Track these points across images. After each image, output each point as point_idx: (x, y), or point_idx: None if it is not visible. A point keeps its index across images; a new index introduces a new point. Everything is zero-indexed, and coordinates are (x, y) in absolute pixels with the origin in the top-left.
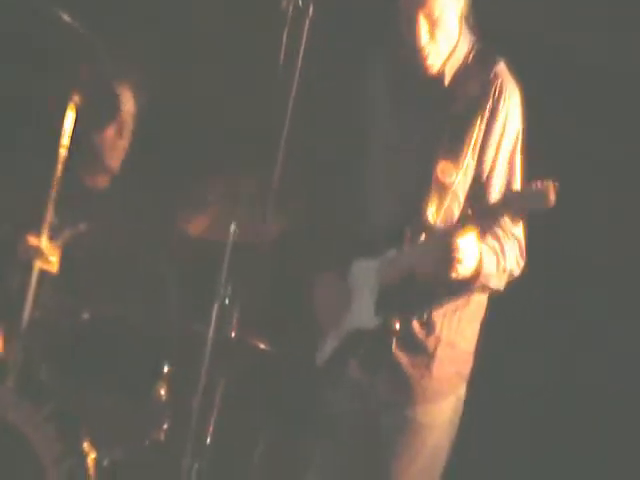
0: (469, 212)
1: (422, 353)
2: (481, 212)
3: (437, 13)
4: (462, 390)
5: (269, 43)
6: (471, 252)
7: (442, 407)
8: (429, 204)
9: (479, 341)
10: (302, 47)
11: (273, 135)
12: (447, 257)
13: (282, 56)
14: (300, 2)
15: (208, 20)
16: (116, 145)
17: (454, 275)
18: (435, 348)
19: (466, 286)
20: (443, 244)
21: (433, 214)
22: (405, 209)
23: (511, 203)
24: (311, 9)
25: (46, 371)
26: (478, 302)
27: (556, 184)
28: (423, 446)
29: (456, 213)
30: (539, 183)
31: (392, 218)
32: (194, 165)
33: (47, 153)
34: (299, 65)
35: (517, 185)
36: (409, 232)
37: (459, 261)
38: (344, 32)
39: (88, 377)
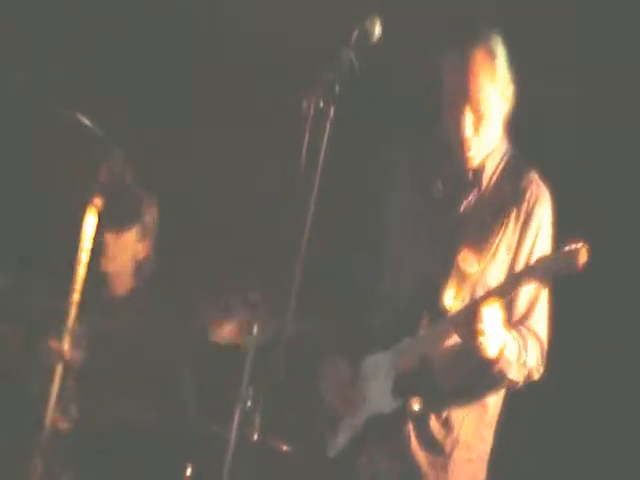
0: (494, 285)
1: (440, 453)
2: (509, 279)
3: (483, 109)
4: None
5: (291, 145)
6: (494, 325)
7: None
8: (448, 289)
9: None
10: (323, 147)
11: (293, 236)
12: (471, 327)
13: (304, 157)
14: (321, 103)
15: (230, 123)
16: (137, 249)
17: (477, 345)
18: (452, 449)
19: (486, 368)
20: (467, 314)
21: (451, 300)
22: (424, 296)
23: (540, 267)
24: (332, 110)
25: (68, 476)
26: (495, 408)
27: (586, 246)
28: None
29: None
30: (568, 246)
31: (409, 303)
32: (215, 269)
33: (69, 254)
34: (320, 165)
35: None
36: (426, 317)
37: (482, 332)
38: (367, 126)
39: (112, 477)
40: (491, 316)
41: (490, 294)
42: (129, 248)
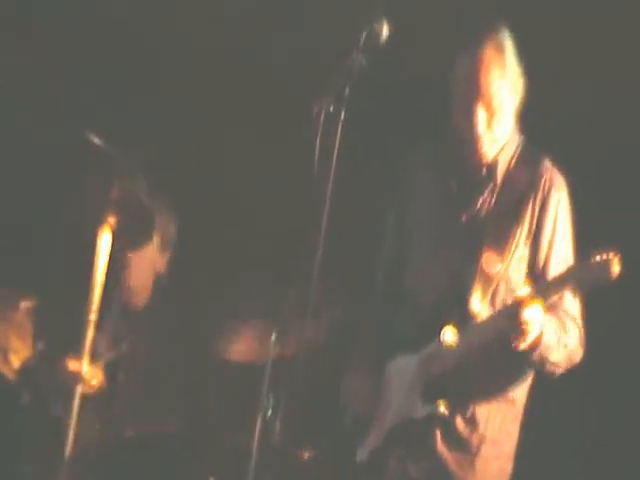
0: (529, 289)
1: (466, 451)
2: (542, 287)
3: (495, 104)
4: None
5: (303, 149)
6: (537, 323)
7: None
8: (474, 293)
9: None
10: (336, 151)
11: (310, 243)
12: (515, 329)
13: (317, 160)
14: (331, 108)
15: (242, 129)
16: (156, 262)
17: (521, 346)
18: (479, 446)
19: (525, 357)
20: (511, 316)
21: (478, 303)
22: (449, 298)
23: (573, 276)
24: (342, 114)
25: None
26: (521, 402)
27: (619, 255)
28: None
29: (507, 299)
30: (601, 255)
31: (434, 306)
32: (233, 282)
33: (84, 275)
34: (333, 168)
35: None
36: (453, 321)
37: (527, 332)
38: (382, 128)
39: None
40: (533, 314)
41: (532, 298)
42: (149, 262)
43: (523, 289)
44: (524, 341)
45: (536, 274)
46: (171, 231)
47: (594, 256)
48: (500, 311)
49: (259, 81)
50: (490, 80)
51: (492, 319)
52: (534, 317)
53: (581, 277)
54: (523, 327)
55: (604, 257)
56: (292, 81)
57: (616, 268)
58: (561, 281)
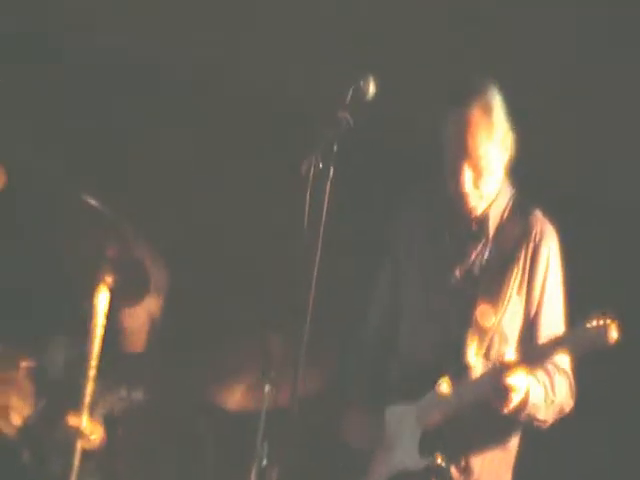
0: (519, 353)
1: None
2: (535, 351)
3: (482, 164)
4: None
5: (294, 205)
6: (520, 390)
7: None
8: (469, 346)
9: None
10: (325, 206)
11: (301, 292)
12: (497, 395)
13: (307, 216)
14: (320, 165)
15: (235, 188)
16: (152, 308)
17: (505, 411)
18: None
19: (513, 417)
20: (495, 383)
21: (474, 355)
22: (444, 350)
23: (569, 341)
24: (331, 170)
25: None
26: (514, 448)
27: (616, 320)
28: None
29: (503, 350)
30: (598, 320)
31: (429, 357)
32: (226, 334)
33: (82, 331)
34: (323, 223)
35: (561, 320)
36: (448, 372)
37: (509, 399)
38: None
39: None
40: (516, 381)
41: (517, 365)
42: (146, 307)
43: (509, 354)
44: (507, 406)
45: (529, 325)
46: (163, 278)
47: (590, 321)
48: (483, 374)
49: (253, 138)
50: (478, 142)
51: (478, 381)
52: (517, 384)
53: (577, 342)
54: (505, 394)
55: (601, 322)
56: (284, 136)
57: (614, 334)
58: (555, 346)
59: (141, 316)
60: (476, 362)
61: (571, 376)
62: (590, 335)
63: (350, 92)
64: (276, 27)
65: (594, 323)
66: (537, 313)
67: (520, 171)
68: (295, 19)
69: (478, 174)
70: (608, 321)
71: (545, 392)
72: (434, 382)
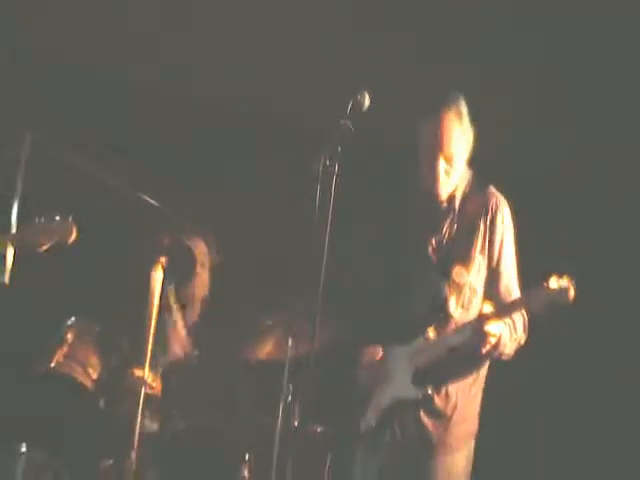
0: (493, 308)
1: (442, 418)
2: (503, 308)
3: (453, 157)
4: (472, 444)
5: (308, 197)
6: (497, 334)
7: (459, 458)
8: (450, 300)
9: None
10: (332, 196)
11: (317, 266)
12: (479, 339)
13: (317, 204)
14: (328, 163)
15: (262, 185)
16: (201, 290)
17: (484, 351)
18: (452, 413)
19: (488, 357)
20: (478, 331)
21: (454, 306)
22: (432, 303)
23: (532, 300)
24: (337, 167)
25: (156, 472)
26: (484, 374)
27: (573, 280)
28: None
29: (475, 302)
30: (557, 281)
31: (422, 310)
32: (258, 301)
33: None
34: (331, 211)
35: (514, 270)
36: (436, 321)
37: (489, 342)
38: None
39: (188, 471)
40: (495, 329)
41: (492, 316)
42: (197, 284)
43: (486, 307)
44: (485, 348)
45: (491, 277)
46: (216, 262)
47: (550, 281)
48: (467, 324)
49: (268, 141)
50: (451, 140)
51: (461, 329)
52: (495, 330)
53: (539, 301)
54: (487, 339)
55: (561, 284)
56: (296, 140)
57: (572, 293)
58: (521, 303)
59: (193, 292)
60: (455, 312)
61: (525, 315)
62: (552, 295)
63: (350, 104)
64: (279, 49)
65: (554, 284)
66: (497, 267)
67: (477, 156)
68: (299, 44)
69: (449, 165)
70: (567, 282)
71: (510, 331)
72: (423, 330)
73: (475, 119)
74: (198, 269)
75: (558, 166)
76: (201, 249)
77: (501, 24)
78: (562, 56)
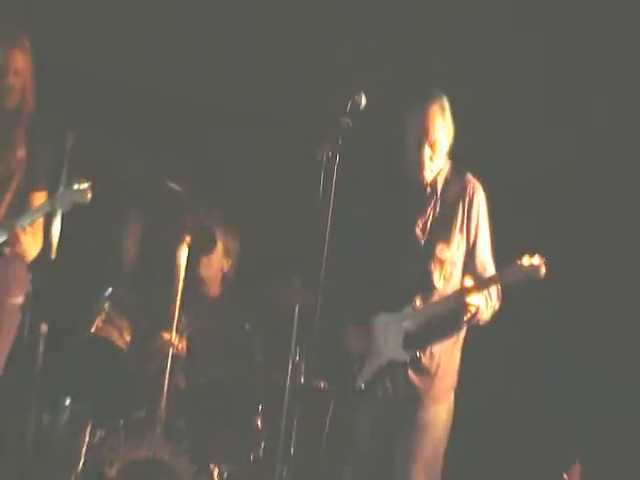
0: (472, 281)
1: (427, 374)
2: (482, 282)
3: (437, 145)
4: (452, 397)
5: (312, 183)
6: (476, 305)
7: (441, 409)
8: (434, 272)
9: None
10: (334, 182)
11: (318, 241)
12: (462, 309)
13: (322, 189)
14: (330, 153)
15: (271, 175)
16: (222, 263)
17: (465, 319)
18: (436, 370)
19: (467, 323)
20: (460, 301)
21: (437, 279)
22: (418, 276)
23: (507, 276)
24: (338, 157)
25: (182, 421)
26: (462, 336)
27: (544, 258)
28: (430, 439)
29: (455, 275)
30: (529, 259)
31: (410, 282)
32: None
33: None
34: (332, 195)
35: (489, 247)
36: (421, 291)
37: (470, 312)
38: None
39: (210, 420)
40: (475, 300)
41: (472, 289)
42: (217, 262)
43: (467, 281)
44: (466, 316)
45: (469, 253)
46: (233, 245)
47: (523, 259)
48: (450, 295)
49: (276, 135)
50: (435, 129)
51: (445, 299)
52: (475, 301)
53: (513, 277)
54: (467, 308)
55: (533, 262)
56: (302, 133)
57: (543, 270)
58: (497, 278)
59: (215, 270)
60: (438, 283)
61: (499, 286)
62: (525, 271)
63: (349, 103)
64: (282, 49)
65: (526, 262)
66: (474, 244)
67: (456, 147)
68: (299, 44)
69: (433, 152)
70: (538, 260)
71: (486, 300)
72: (411, 299)
73: (470, 117)
74: (218, 247)
75: (558, 166)
76: (220, 230)
77: (501, 24)
78: (562, 56)
